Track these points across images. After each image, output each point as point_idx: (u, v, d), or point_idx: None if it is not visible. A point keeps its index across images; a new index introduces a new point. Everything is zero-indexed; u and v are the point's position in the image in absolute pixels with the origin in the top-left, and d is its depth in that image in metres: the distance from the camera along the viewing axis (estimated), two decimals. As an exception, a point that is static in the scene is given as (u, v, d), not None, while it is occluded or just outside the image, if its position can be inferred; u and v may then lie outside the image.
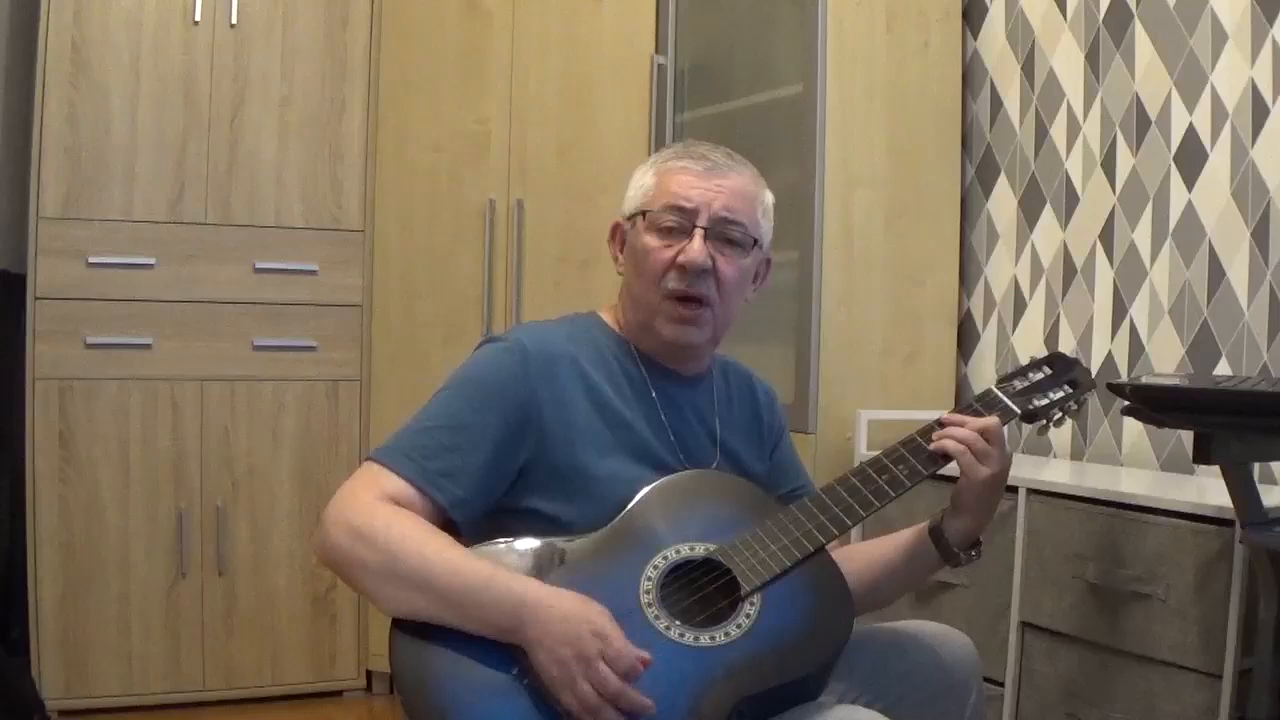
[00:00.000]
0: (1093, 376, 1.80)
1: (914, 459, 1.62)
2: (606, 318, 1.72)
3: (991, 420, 1.62)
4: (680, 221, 1.62)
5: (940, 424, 1.64)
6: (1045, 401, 1.72)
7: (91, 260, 3.06)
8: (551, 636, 1.38)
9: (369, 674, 3.37)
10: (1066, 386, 1.74)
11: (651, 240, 1.63)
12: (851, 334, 2.81)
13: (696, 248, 1.60)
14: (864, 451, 2.70)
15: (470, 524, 1.55)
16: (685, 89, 3.21)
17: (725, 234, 1.63)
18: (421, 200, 3.31)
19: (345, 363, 3.31)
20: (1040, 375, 1.75)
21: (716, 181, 1.63)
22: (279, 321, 3.24)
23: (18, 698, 2.89)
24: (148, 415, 3.12)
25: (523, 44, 3.25)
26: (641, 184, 1.68)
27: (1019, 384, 1.73)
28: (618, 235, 1.71)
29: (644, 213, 1.64)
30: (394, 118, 3.31)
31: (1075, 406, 1.75)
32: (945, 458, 1.61)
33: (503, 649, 1.42)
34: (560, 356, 1.60)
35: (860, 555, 1.74)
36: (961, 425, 1.61)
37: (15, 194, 3.27)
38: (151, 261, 3.12)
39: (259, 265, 3.21)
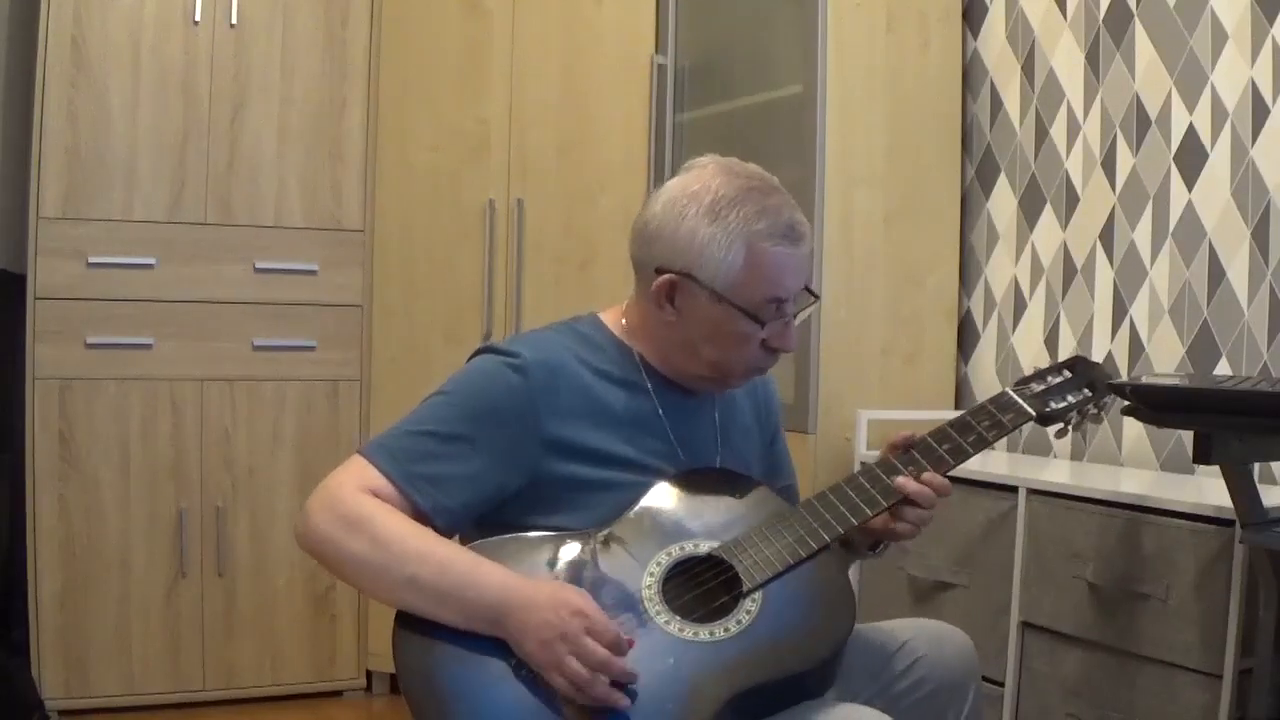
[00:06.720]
0: (1108, 380, 1.77)
1: (925, 460, 1.62)
2: (607, 320, 1.69)
3: (947, 488, 1.62)
4: (780, 309, 1.59)
5: (955, 427, 1.64)
6: (1063, 404, 1.70)
7: (91, 260, 3.05)
8: (533, 623, 1.40)
9: (369, 674, 3.37)
10: (1086, 390, 1.73)
11: (747, 327, 1.57)
12: (851, 334, 2.81)
13: (794, 336, 1.61)
14: (864, 451, 2.70)
15: (454, 531, 1.56)
16: (685, 89, 3.21)
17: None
18: (421, 200, 3.31)
19: (345, 363, 3.31)
20: (1060, 378, 1.74)
21: (805, 251, 1.59)
22: (279, 321, 3.24)
23: (17, 697, 2.90)
24: (148, 415, 3.12)
25: (523, 44, 3.25)
26: (726, 259, 1.54)
27: (1036, 386, 1.72)
28: (673, 290, 1.58)
29: (738, 305, 1.56)
30: (394, 118, 3.31)
31: (1095, 410, 1.73)
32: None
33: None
34: (561, 368, 1.58)
35: None
36: (941, 489, 1.60)
37: (15, 194, 3.28)
38: (151, 261, 3.12)
39: (259, 265, 3.21)
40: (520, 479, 1.55)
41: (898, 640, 1.63)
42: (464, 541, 1.56)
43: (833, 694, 1.55)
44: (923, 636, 1.64)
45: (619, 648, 1.39)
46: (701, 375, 1.63)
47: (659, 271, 1.58)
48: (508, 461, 1.54)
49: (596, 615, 1.41)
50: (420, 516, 1.51)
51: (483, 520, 1.57)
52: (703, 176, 1.59)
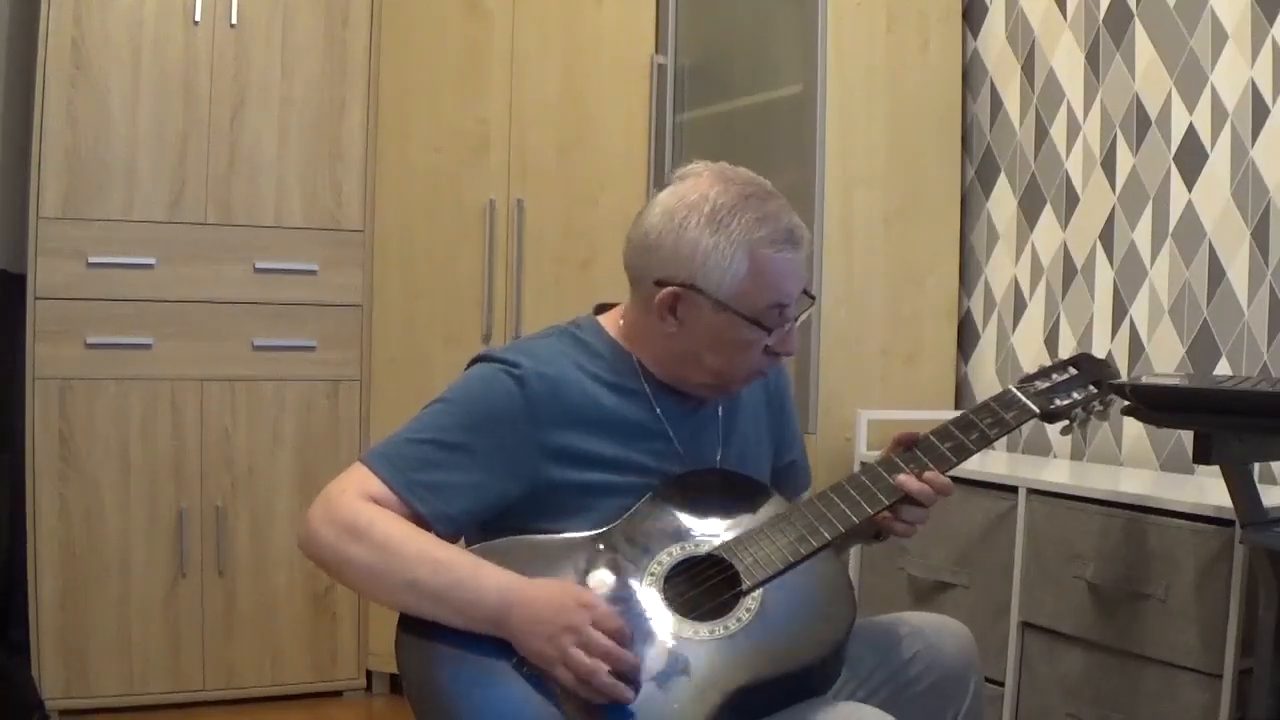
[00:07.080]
0: (1113, 377, 1.77)
1: (927, 458, 1.62)
2: (606, 323, 1.68)
3: (949, 487, 1.62)
4: (783, 314, 1.59)
5: (958, 425, 1.64)
6: (1067, 401, 1.70)
7: (91, 260, 3.05)
8: (537, 619, 1.40)
9: (369, 674, 3.37)
10: (1091, 387, 1.72)
11: (751, 334, 1.57)
12: (851, 334, 2.81)
13: (796, 339, 1.62)
14: (864, 451, 2.70)
15: (457, 538, 1.56)
16: (685, 89, 3.21)
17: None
18: (421, 200, 3.30)
19: (345, 363, 3.31)
20: (1065, 376, 1.74)
21: (804, 255, 1.59)
22: (279, 321, 3.24)
23: (17, 698, 2.90)
24: (148, 415, 3.12)
25: (523, 44, 3.25)
26: (730, 268, 1.53)
27: (1040, 384, 1.72)
28: (676, 302, 1.56)
29: (743, 313, 1.55)
30: (394, 118, 3.31)
31: (1101, 406, 1.73)
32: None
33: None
34: (559, 375, 1.58)
35: None
36: (943, 489, 1.60)
37: (15, 194, 3.28)
38: (151, 261, 3.12)
39: (259, 265, 3.21)
40: (521, 486, 1.55)
41: (898, 633, 1.64)
42: (468, 545, 1.57)
43: (844, 679, 1.56)
44: (923, 629, 1.65)
45: (623, 638, 1.40)
46: (703, 383, 1.63)
47: (660, 284, 1.57)
48: (508, 469, 1.55)
49: (601, 607, 1.42)
50: (421, 524, 1.51)
51: (486, 526, 1.57)
52: (699, 185, 1.57)
